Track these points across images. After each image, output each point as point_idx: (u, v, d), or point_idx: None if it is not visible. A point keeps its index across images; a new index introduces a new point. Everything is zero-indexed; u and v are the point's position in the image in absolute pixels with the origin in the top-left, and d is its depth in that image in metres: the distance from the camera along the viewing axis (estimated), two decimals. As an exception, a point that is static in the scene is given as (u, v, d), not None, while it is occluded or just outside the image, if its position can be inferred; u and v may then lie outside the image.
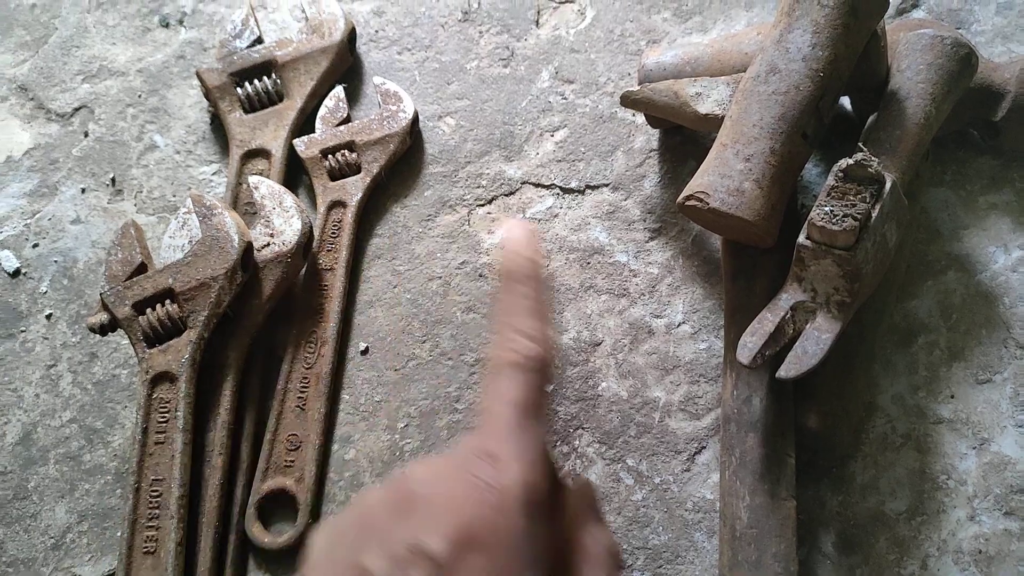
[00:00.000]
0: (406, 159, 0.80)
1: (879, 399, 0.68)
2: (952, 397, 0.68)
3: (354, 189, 0.76)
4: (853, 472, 0.66)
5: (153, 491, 0.63)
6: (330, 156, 0.77)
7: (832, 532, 0.65)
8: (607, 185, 0.78)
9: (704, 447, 0.68)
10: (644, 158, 0.78)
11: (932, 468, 0.66)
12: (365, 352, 0.73)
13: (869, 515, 0.65)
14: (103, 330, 0.66)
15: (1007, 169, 0.75)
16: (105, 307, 0.66)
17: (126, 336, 0.66)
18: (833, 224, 0.57)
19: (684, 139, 0.78)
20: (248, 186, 0.73)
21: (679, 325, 0.72)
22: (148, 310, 0.65)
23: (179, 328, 0.66)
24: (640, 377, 0.70)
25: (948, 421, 0.67)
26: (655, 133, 0.79)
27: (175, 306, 0.65)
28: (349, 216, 0.75)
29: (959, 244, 0.73)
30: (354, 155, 0.77)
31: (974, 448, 0.66)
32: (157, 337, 0.65)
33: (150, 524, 0.62)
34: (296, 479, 0.67)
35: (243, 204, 0.76)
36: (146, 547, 0.62)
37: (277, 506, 0.68)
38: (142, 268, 0.67)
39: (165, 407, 0.64)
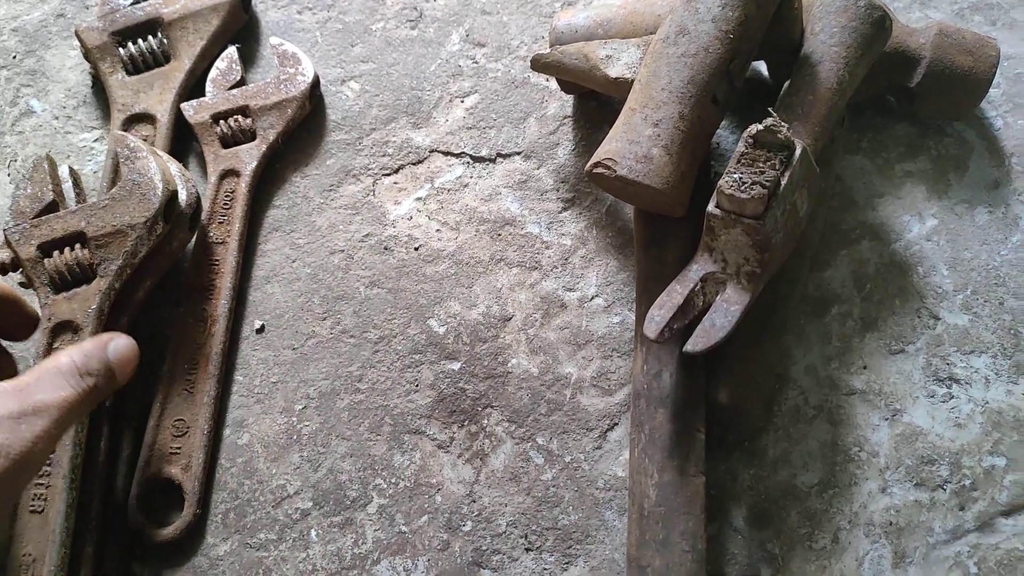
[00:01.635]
0: (306, 125, 0.75)
1: (792, 371, 0.67)
2: (865, 368, 0.67)
3: (248, 157, 0.71)
4: (765, 445, 0.65)
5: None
6: (222, 122, 0.72)
7: (744, 507, 0.63)
8: (519, 153, 0.74)
9: (616, 423, 0.65)
10: (558, 125, 0.75)
11: (844, 440, 0.65)
12: (261, 331, 0.69)
13: (781, 489, 0.64)
14: (3, 269, 0.62)
15: (924, 136, 0.74)
16: (8, 245, 0.61)
17: (27, 279, 0.61)
18: (741, 192, 0.55)
19: (599, 104, 0.75)
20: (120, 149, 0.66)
21: (592, 298, 0.69)
22: (56, 253, 0.60)
23: (88, 276, 0.61)
24: (552, 353, 0.68)
25: (861, 392, 0.66)
26: (569, 99, 0.76)
27: (86, 251, 0.60)
28: (243, 186, 0.70)
29: (874, 213, 0.72)
30: (248, 121, 0.72)
31: (886, 419, 0.65)
32: (63, 283, 0.60)
33: (39, 482, 0.57)
34: (183, 467, 0.63)
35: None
36: (33, 506, 0.57)
37: (166, 495, 0.64)
38: (53, 207, 0.62)
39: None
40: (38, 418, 0.47)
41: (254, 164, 0.71)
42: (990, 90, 0.75)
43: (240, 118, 0.72)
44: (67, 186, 0.64)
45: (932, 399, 0.66)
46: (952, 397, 0.66)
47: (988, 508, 0.63)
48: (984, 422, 0.65)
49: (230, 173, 0.71)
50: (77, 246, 0.61)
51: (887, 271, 0.69)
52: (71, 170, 0.65)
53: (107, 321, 0.61)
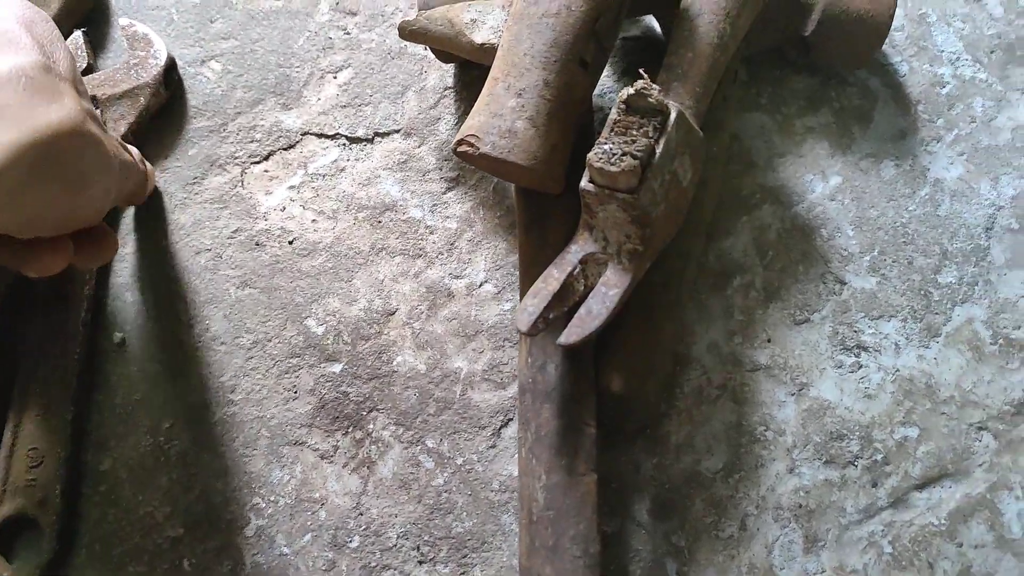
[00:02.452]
0: (164, 113, 0.69)
1: (693, 350, 0.63)
2: (769, 341, 0.63)
3: None
4: (667, 431, 0.61)
5: None
6: None
7: (647, 498, 0.60)
8: (398, 131, 0.69)
9: (510, 419, 0.61)
10: (439, 98, 0.70)
11: (750, 420, 0.61)
12: (121, 344, 0.63)
13: (684, 476, 0.60)
14: None
15: (825, 88, 0.70)
16: None
17: None
18: (611, 164, 0.50)
19: (482, 73, 0.69)
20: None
21: (481, 285, 0.65)
22: None
23: None
24: (439, 347, 0.63)
25: (765, 367, 0.62)
26: (450, 68, 0.71)
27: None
28: None
29: (774, 174, 0.67)
30: (97, 112, 0.65)
31: (792, 395, 0.62)
32: None
33: None
34: (38, 501, 0.58)
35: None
36: None
37: (24, 531, 0.58)
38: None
39: None
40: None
41: None
42: (893, 34, 0.71)
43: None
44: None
45: (840, 370, 0.62)
46: (861, 366, 0.62)
47: (901, 483, 0.60)
48: (895, 391, 0.62)
49: None
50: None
51: (789, 236, 0.66)
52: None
53: None
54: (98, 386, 0.62)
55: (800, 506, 0.59)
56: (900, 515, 0.59)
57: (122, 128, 0.65)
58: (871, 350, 0.63)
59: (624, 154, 0.50)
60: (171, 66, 0.68)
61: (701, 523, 0.59)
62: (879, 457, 0.60)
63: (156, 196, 0.67)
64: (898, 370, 0.62)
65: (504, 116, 0.53)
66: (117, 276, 0.65)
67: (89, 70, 0.68)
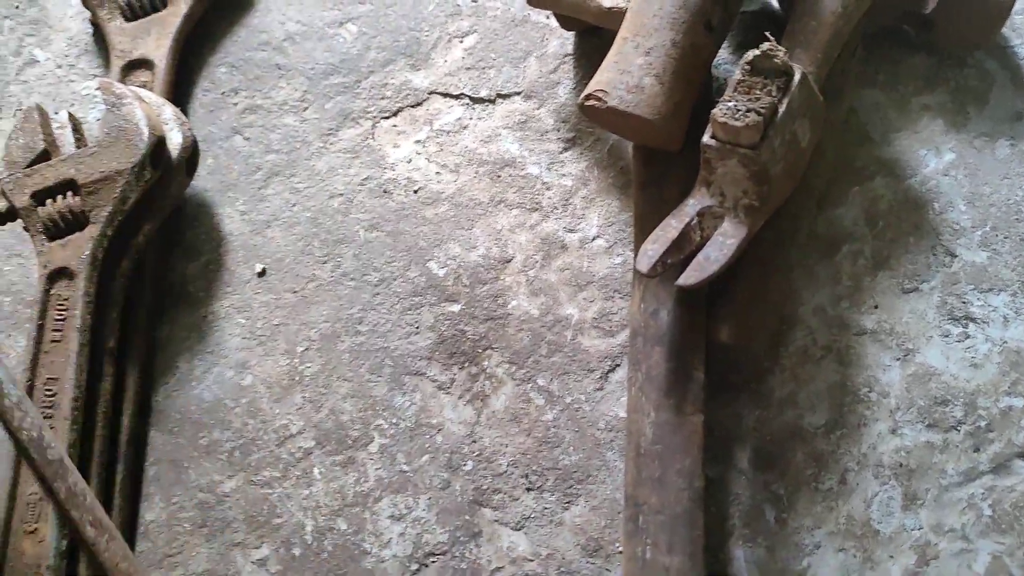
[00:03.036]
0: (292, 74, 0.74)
1: (800, 311, 0.65)
2: (876, 307, 0.65)
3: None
4: (771, 386, 0.63)
5: (47, 390, 0.59)
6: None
7: (748, 448, 0.62)
8: (519, 93, 0.73)
9: (618, 365, 0.65)
10: (558, 63, 0.73)
11: (854, 381, 0.63)
12: (262, 274, 0.69)
13: (786, 430, 0.62)
14: (1, 219, 0.62)
15: (942, 68, 0.71)
16: (3, 195, 0.62)
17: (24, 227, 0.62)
18: (735, 120, 0.53)
19: (601, 41, 0.73)
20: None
21: (593, 239, 0.68)
22: (48, 201, 0.61)
23: (81, 222, 0.61)
24: (552, 294, 0.67)
25: (871, 332, 0.64)
26: (570, 36, 0.74)
27: (77, 199, 0.61)
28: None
29: (889, 148, 0.69)
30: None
31: (898, 360, 0.63)
32: (57, 231, 0.61)
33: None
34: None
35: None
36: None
37: None
38: (45, 156, 0.62)
39: (63, 305, 0.60)
40: None
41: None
42: (1014, 16, 0.71)
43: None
44: (66, 131, 0.63)
45: (947, 339, 0.63)
46: (968, 336, 0.63)
47: (1004, 450, 0.61)
48: (1002, 362, 0.63)
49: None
50: (69, 194, 0.61)
51: (901, 208, 0.67)
52: (71, 116, 0.64)
53: (105, 265, 0.62)
54: (241, 310, 0.68)
55: (901, 465, 0.61)
56: (1001, 480, 0.60)
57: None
58: (979, 321, 0.63)
59: (748, 111, 0.53)
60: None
61: (801, 475, 0.61)
62: (983, 424, 0.61)
63: (297, 143, 0.72)
64: (1006, 342, 0.63)
65: (632, 72, 0.57)
66: (259, 214, 0.71)
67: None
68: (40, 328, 0.60)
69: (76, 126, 0.65)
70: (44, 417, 0.58)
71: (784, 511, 0.60)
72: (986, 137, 0.69)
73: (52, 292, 0.60)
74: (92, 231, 0.60)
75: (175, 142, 0.64)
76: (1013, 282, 0.64)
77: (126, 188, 0.60)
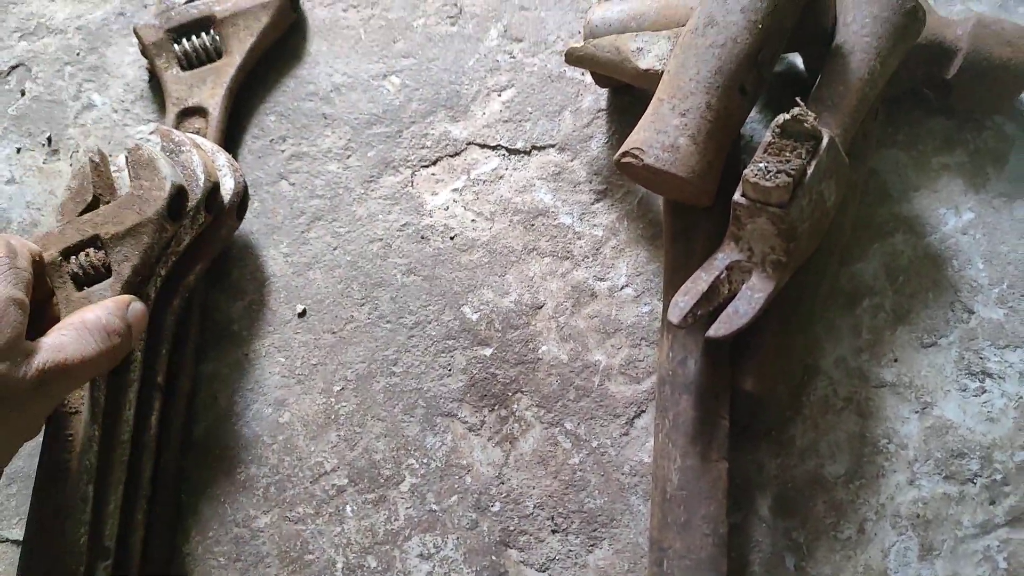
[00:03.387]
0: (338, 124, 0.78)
1: (821, 362, 0.67)
2: (896, 360, 0.67)
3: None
4: (792, 435, 0.65)
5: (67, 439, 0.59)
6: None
7: (769, 495, 0.64)
8: (553, 146, 0.76)
9: (643, 411, 0.67)
10: (592, 118, 0.77)
11: (873, 432, 0.65)
12: (303, 315, 0.72)
13: (807, 478, 0.64)
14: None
15: (961, 130, 0.74)
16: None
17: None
18: (767, 180, 0.55)
19: (633, 99, 0.76)
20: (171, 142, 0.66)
21: (622, 288, 0.71)
22: (72, 257, 0.62)
23: (102, 275, 0.62)
24: (581, 340, 0.69)
25: (891, 385, 0.66)
26: (603, 93, 0.77)
27: (101, 252, 0.61)
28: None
29: (909, 206, 0.71)
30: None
31: (916, 412, 0.65)
32: (82, 282, 0.62)
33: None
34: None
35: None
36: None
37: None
38: (95, 204, 0.63)
39: None
40: (66, 379, 0.51)
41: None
42: (1032, 83, 0.74)
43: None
44: (123, 175, 0.66)
45: (964, 393, 0.65)
46: (985, 391, 0.65)
47: (1020, 503, 0.62)
48: (1018, 417, 0.64)
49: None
50: (91, 250, 0.62)
51: (921, 264, 0.69)
52: (127, 159, 0.66)
53: (158, 304, 0.64)
54: (280, 350, 0.71)
55: (918, 516, 0.62)
56: (1017, 534, 0.61)
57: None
58: (996, 377, 0.65)
59: (779, 172, 0.56)
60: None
61: (821, 523, 0.63)
62: (999, 477, 0.63)
63: (340, 189, 0.76)
64: (1022, 397, 0.65)
65: (668, 132, 0.60)
66: (301, 256, 0.74)
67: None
68: None
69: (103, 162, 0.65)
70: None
71: (804, 559, 0.62)
72: (1004, 197, 0.71)
73: None
74: (114, 282, 0.61)
75: (227, 187, 0.67)
76: (1030, 340, 0.66)
77: (154, 236, 0.61)
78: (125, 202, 0.62)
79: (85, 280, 0.62)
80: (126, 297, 0.58)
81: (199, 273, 0.67)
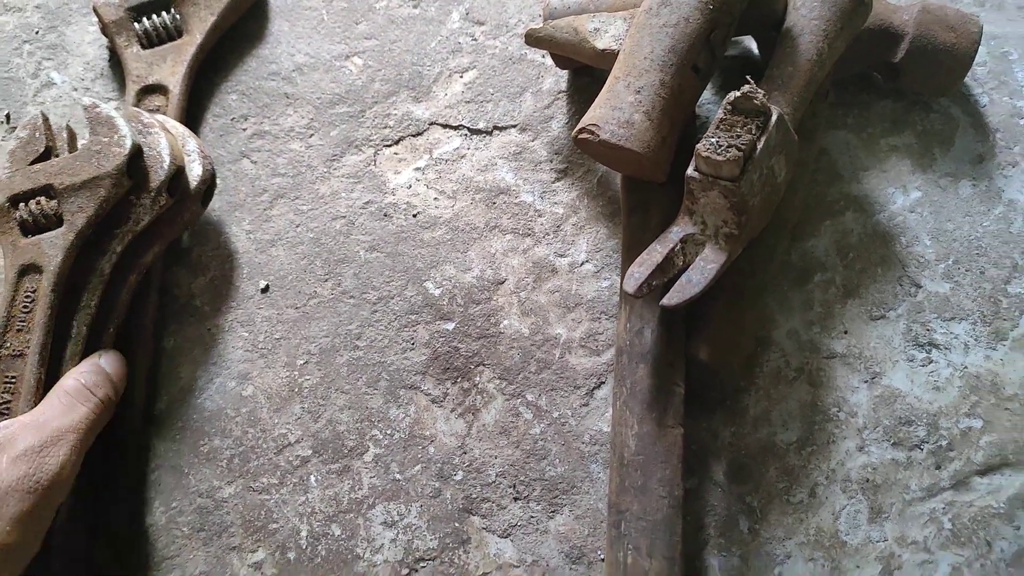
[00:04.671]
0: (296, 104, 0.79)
1: (774, 334, 0.69)
2: (846, 333, 0.69)
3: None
4: (746, 405, 0.67)
5: (8, 381, 0.59)
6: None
7: (723, 462, 0.66)
8: (515, 126, 0.77)
9: (603, 382, 0.68)
10: (552, 99, 0.78)
11: (824, 401, 0.67)
12: (265, 290, 0.72)
13: (760, 446, 0.66)
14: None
15: (909, 112, 0.76)
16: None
17: None
18: (717, 154, 0.57)
19: (593, 79, 0.78)
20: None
21: (582, 264, 0.72)
22: (22, 204, 0.62)
23: (53, 224, 0.61)
24: (542, 315, 0.70)
25: (841, 356, 0.68)
26: (564, 74, 0.79)
27: (54, 202, 0.61)
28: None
29: (859, 185, 0.74)
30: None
31: (866, 382, 0.67)
32: (36, 229, 0.62)
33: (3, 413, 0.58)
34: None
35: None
36: None
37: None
38: (47, 155, 0.63)
39: (30, 296, 0.60)
40: (58, 446, 0.52)
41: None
42: (976, 68, 0.77)
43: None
44: (62, 144, 0.65)
45: (911, 363, 0.68)
46: (931, 362, 0.68)
47: (964, 467, 0.65)
48: (962, 386, 0.67)
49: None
50: (43, 199, 0.62)
51: (870, 241, 0.72)
52: (68, 128, 0.66)
53: (113, 280, 0.63)
54: (244, 324, 0.71)
55: (867, 480, 0.64)
56: (961, 496, 0.64)
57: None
58: (942, 347, 0.68)
59: (730, 146, 0.57)
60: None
61: (774, 488, 0.65)
62: (944, 443, 0.65)
63: (302, 167, 0.76)
64: (966, 367, 0.67)
65: (623, 109, 0.61)
66: (264, 233, 0.74)
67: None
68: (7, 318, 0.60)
69: (72, 139, 0.67)
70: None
71: (757, 522, 0.64)
72: (950, 177, 0.74)
73: (24, 286, 0.61)
74: (66, 230, 0.61)
75: (195, 173, 0.67)
76: (973, 312, 0.69)
77: (110, 191, 0.61)
78: (82, 155, 0.62)
79: (34, 228, 0.61)
80: (94, 355, 0.60)
81: (157, 254, 0.67)
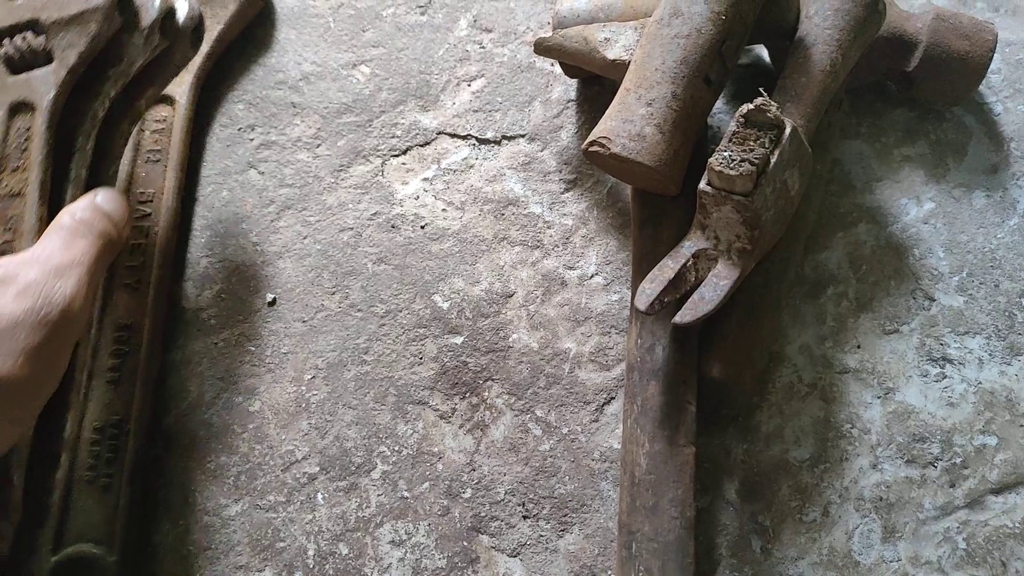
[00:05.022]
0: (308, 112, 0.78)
1: (786, 349, 0.68)
2: (859, 347, 0.68)
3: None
4: (758, 421, 0.66)
5: (7, 220, 0.57)
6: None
7: (736, 480, 0.65)
8: (523, 136, 0.76)
9: (613, 398, 0.67)
10: (562, 108, 0.77)
11: (837, 417, 0.66)
12: (272, 303, 0.72)
13: (773, 463, 0.65)
14: None
15: (922, 121, 0.75)
16: None
17: None
18: (730, 169, 0.56)
19: (602, 89, 0.77)
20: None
21: (592, 276, 0.71)
22: (6, 41, 0.60)
23: (42, 61, 0.59)
24: (551, 328, 0.70)
25: (854, 371, 0.67)
26: (573, 83, 0.78)
27: (41, 38, 0.59)
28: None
29: (871, 196, 0.73)
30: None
31: (879, 397, 0.67)
32: (24, 66, 0.59)
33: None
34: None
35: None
36: None
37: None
38: None
39: (23, 135, 0.58)
40: (63, 279, 0.49)
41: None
42: (990, 75, 0.76)
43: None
44: None
45: (925, 378, 0.67)
46: (945, 377, 0.67)
47: (978, 486, 0.64)
48: (976, 402, 0.66)
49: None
50: (29, 34, 0.59)
51: (883, 253, 0.71)
52: None
53: (106, 125, 0.62)
54: (251, 339, 0.70)
55: (881, 499, 0.63)
56: (976, 515, 0.63)
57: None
58: (956, 363, 0.67)
59: (743, 160, 0.56)
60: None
61: (786, 507, 0.64)
62: (958, 460, 0.64)
63: (309, 178, 0.75)
64: (980, 383, 0.66)
65: (634, 122, 0.60)
66: (271, 246, 0.73)
67: None
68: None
69: None
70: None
71: (770, 542, 0.63)
72: (964, 188, 0.73)
73: (14, 125, 0.59)
74: (57, 66, 0.59)
75: (182, 11, 0.65)
76: (988, 326, 0.68)
77: (100, 27, 0.58)
78: None
79: (21, 65, 0.59)
80: (90, 192, 0.57)
81: (149, 98, 0.65)
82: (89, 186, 0.60)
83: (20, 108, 0.59)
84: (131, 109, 0.64)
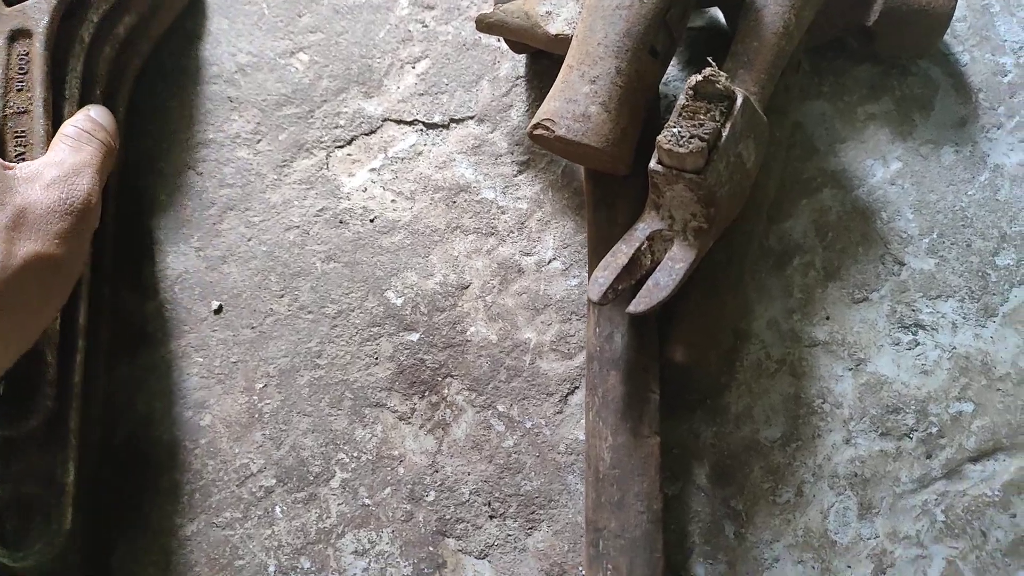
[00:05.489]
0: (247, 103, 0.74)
1: (753, 325, 0.66)
2: (828, 319, 0.66)
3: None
4: (727, 402, 0.64)
5: (18, 135, 0.61)
6: None
7: (706, 464, 0.63)
8: (472, 118, 0.73)
9: (577, 387, 0.65)
10: (511, 86, 0.74)
11: (807, 392, 0.64)
12: (219, 311, 0.69)
13: (743, 445, 0.63)
14: None
15: (887, 76, 0.72)
16: None
17: None
18: (679, 146, 0.53)
19: (552, 63, 0.73)
20: None
21: (550, 262, 0.68)
22: None
23: None
24: (510, 319, 0.67)
25: (824, 343, 0.65)
26: (522, 59, 0.74)
27: None
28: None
29: (836, 159, 0.70)
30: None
31: (850, 369, 0.64)
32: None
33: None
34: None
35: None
36: None
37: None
38: None
39: (23, 59, 0.63)
40: (80, 176, 0.56)
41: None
42: (955, 24, 0.72)
43: None
44: None
45: (897, 347, 0.65)
46: (918, 344, 0.65)
47: (955, 455, 0.62)
48: (951, 368, 0.64)
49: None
50: None
51: (850, 218, 0.68)
52: None
53: (92, 49, 0.66)
54: (198, 349, 0.68)
55: (855, 475, 0.62)
56: (954, 486, 0.61)
57: None
58: (928, 328, 0.65)
59: (692, 136, 0.53)
60: None
61: (759, 489, 0.62)
62: (934, 430, 0.62)
63: (251, 176, 0.72)
64: (955, 348, 0.64)
65: (578, 101, 0.57)
66: (215, 250, 0.70)
67: None
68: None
69: None
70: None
71: (743, 526, 0.61)
72: (932, 144, 0.70)
73: (15, 52, 0.63)
74: None
75: None
76: (960, 288, 0.66)
77: None
78: None
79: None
80: (82, 109, 0.62)
81: (127, 25, 0.68)
82: (82, 103, 0.65)
83: (18, 35, 0.63)
84: (111, 35, 0.67)
